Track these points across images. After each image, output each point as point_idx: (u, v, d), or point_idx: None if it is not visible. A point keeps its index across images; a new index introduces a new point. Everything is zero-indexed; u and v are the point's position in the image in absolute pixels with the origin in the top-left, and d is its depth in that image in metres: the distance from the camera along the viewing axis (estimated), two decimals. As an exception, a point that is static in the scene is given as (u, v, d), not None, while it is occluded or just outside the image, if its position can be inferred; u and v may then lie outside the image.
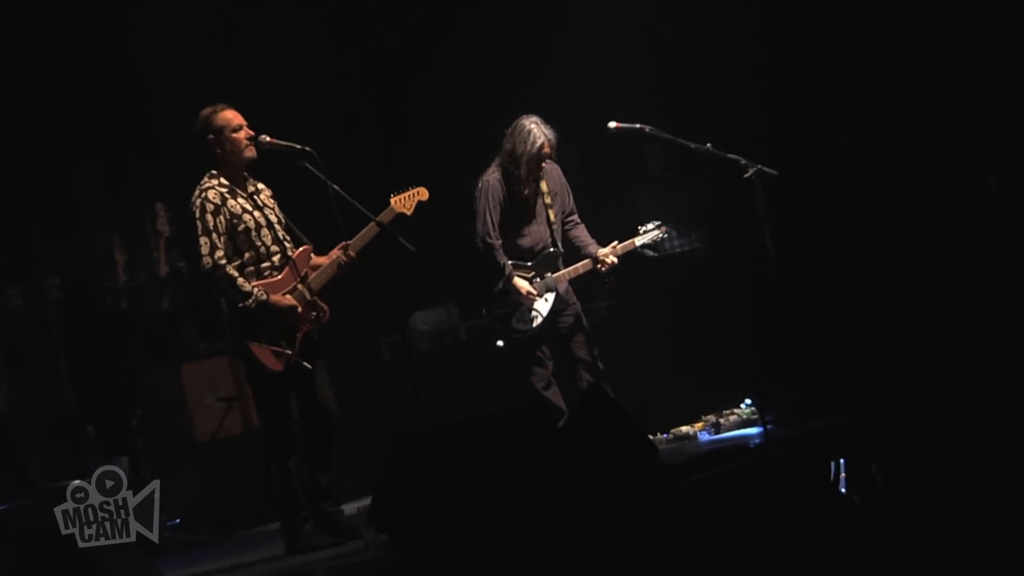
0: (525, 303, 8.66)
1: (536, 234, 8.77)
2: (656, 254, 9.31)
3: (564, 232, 8.87)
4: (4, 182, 10.27)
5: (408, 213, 7.69)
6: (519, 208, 8.73)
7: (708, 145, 8.88)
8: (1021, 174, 9.54)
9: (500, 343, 8.80)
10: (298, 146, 7.46)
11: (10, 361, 9.52)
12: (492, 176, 8.68)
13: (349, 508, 7.36)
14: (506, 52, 10.59)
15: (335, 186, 7.41)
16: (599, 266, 8.78)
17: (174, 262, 10.90)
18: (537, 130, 8.56)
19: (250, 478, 8.62)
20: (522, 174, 8.62)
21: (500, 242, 8.66)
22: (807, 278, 9.88)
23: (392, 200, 7.66)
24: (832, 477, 5.29)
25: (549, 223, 8.78)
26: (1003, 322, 9.24)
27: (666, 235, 9.02)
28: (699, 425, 8.97)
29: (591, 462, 7.25)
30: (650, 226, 8.94)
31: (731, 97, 10.08)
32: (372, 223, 7.49)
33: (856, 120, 9.78)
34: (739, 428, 8.72)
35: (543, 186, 8.75)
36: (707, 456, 7.55)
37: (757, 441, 7.80)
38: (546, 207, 8.78)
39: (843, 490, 5.24)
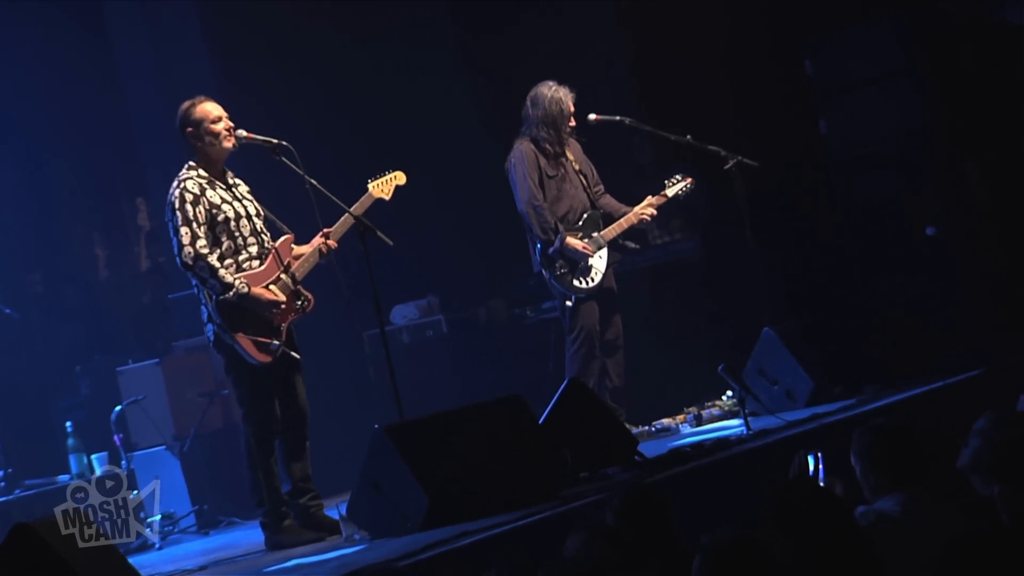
0: (582, 261, 8.65)
1: (574, 198, 8.80)
2: (638, 246, 9.26)
3: (595, 201, 8.89)
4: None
5: (387, 198, 7.62)
6: (554, 173, 8.75)
7: (688, 137, 8.88)
8: (1000, 161, 9.53)
9: (569, 303, 8.72)
10: (275, 140, 7.43)
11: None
12: (523, 146, 8.72)
13: (334, 502, 7.30)
14: (484, 39, 10.57)
15: (312, 180, 7.35)
16: (641, 219, 8.80)
17: (154, 256, 10.87)
18: (559, 89, 8.67)
19: (231, 473, 8.56)
20: (553, 136, 8.66)
21: (547, 204, 8.66)
22: (787, 269, 9.88)
23: (370, 186, 7.59)
24: (811, 471, 5.24)
25: (584, 187, 8.81)
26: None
27: (693, 187, 8.97)
28: (680, 417, 8.94)
29: (570, 452, 7.23)
30: (677, 178, 8.95)
31: (711, 88, 10.06)
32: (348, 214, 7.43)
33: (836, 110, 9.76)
34: (720, 420, 8.70)
35: (569, 154, 8.79)
36: (687, 448, 7.56)
37: (738, 433, 7.78)
38: (578, 173, 8.82)
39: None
